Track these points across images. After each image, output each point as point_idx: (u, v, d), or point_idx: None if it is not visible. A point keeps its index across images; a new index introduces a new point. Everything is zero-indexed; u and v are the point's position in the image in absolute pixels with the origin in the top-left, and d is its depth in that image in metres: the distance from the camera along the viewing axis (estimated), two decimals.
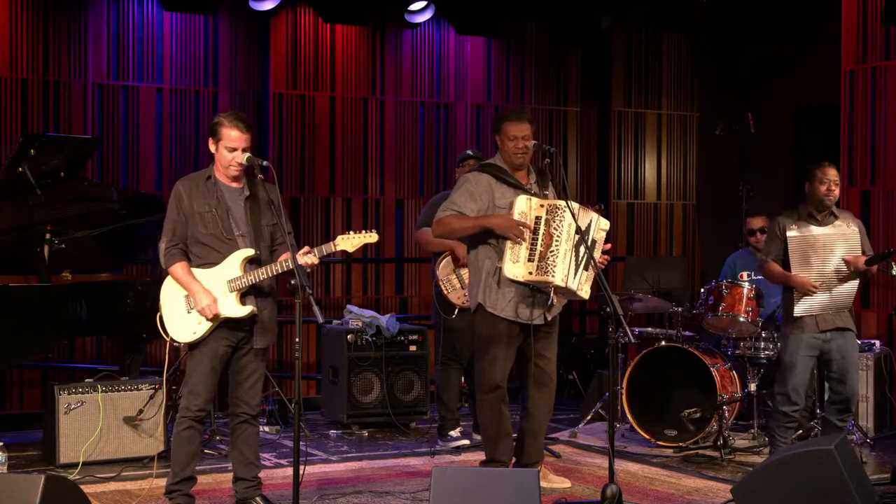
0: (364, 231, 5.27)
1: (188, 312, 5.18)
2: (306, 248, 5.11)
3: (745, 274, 7.49)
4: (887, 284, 7.95)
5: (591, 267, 5.61)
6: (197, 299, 5.12)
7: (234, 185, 5.28)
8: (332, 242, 5.20)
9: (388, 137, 9.51)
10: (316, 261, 5.10)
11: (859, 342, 7.58)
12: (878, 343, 7.80)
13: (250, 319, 5.23)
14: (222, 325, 5.18)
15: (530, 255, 5.57)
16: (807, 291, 6.03)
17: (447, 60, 9.76)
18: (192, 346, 5.22)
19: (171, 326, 5.23)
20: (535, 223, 5.59)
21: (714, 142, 9.84)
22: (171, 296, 5.24)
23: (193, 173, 5.37)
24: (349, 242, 5.22)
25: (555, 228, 5.56)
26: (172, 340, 5.23)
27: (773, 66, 9.88)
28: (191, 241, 5.23)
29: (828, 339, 6.12)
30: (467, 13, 9.73)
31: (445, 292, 6.93)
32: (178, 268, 5.18)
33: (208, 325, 5.15)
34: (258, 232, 5.26)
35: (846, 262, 6.04)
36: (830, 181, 6.11)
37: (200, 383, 5.20)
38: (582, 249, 5.58)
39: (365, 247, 5.32)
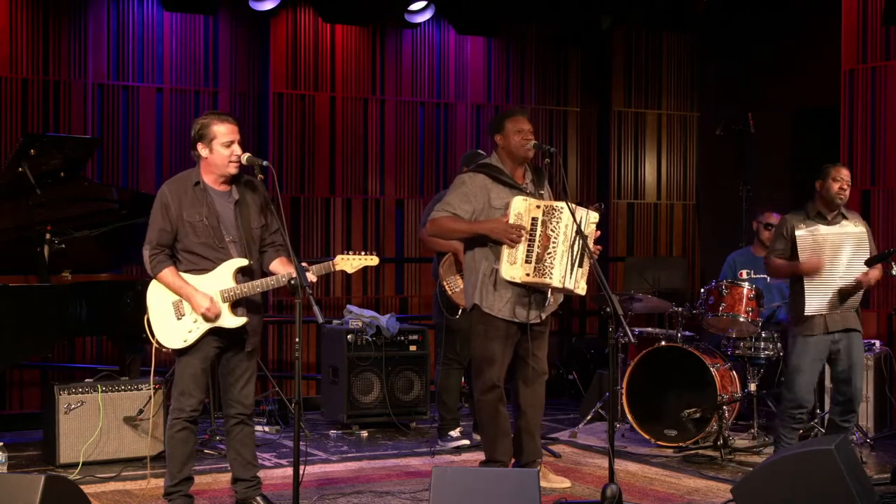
0: (364, 253, 5.24)
1: (178, 319, 5.13)
2: (304, 265, 5.01)
3: (744, 272, 7.49)
4: (887, 284, 7.94)
5: (586, 261, 5.61)
6: (195, 303, 5.07)
7: (223, 188, 5.21)
8: (331, 262, 5.18)
9: (388, 137, 9.51)
10: (314, 279, 5.02)
11: None
12: (878, 343, 7.80)
13: (241, 327, 5.22)
14: (212, 330, 5.15)
15: (527, 256, 5.57)
16: (817, 271, 6.00)
17: (447, 60, 9.76)
18: (182, 351, 5.18)
19: (160, 333, 5.16)
20: (532, 224, 5.59)
21: (714, 142, 9.84)
22: (157, 302, 5.18)
23: (179, 176, 5.26)
24: (349, 264, 5.20)
25: (552, 230, 5.56)
26: (161, 346, 5.18)
27: (773, 66, 9.87)
28: (180, 248, 5.16)
29: (836, 339, 6.12)
30: (467, 13, 9.72)
31: (449, 292, 6.92)
32: (168, 273, 5.12)
33: (200, 332, 5.12)
34: (249, 237, 5.21)
35: (858, 281, 6.06)
36: (843, 180, 6.12)
37: (192, 384, 5.18)
38: (576, 246, 5.58)
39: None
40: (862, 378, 6.28)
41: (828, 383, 7.06)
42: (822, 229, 6.11)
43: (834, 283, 6.05)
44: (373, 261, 5.24)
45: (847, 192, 6.14)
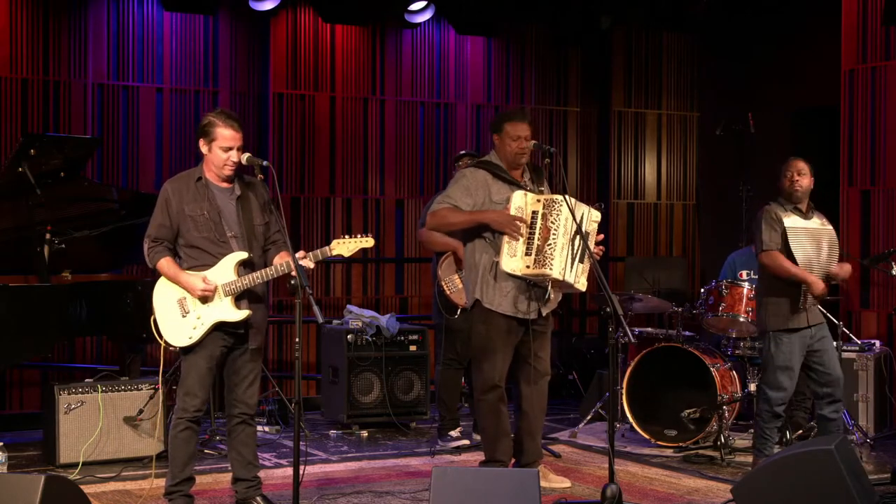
0: (360, 235, 5.24)
1: (183, 317, 5.16)
2: (302, 253, 5.06)
3: (744, 272, 7.48)
4: (887, 284, 7.95)
5: (586, 259, 5.62)
6: (189, 287, 5.10)
7: (225, 185, 5.25)
8: (327, 247, 5.18)
9: (388, 137, 9.51)
10: (311, 265, 5.08)
11: (859, 342, 7.64)
12: (878, 343, 7.80)
13: (244, 321, 5.23)
14: (217, 327, 5.16)
15: (527, 249, 5.58)
16: (817, 291, 6.02)
17: (447, 60, 9.76)
18: (188, 349, 5.20)
19: (166, 331, 5.20)
20: (532, 218, 5.60)
21: (714, 142, 9.84)
22: (164, 300, 5.21)
23: (182, 173, 5.33)
24: (345, 247, 5.20)
25: (552, 222, 5.57)
26: (168, 344, 5.20)
27: (773, 66, 9.87)
28: (183, 243, 5.20)
29: (813, 334, 6.14)
30: (467, 13, 9.72)
31: (448, 292, 6.93)
32: (165, 262, 5.17)
33: (204, 328, 5.13)
34: (251, 233, 5.24)
35: (834, 273, 6.15)
36: (794, 171, 6.20)
37: (197, 384, 5.19)
38: (577, 242, 5.59)
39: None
40: (838, 363, 6.25)
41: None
42: (803, 222, 6.14)
43: (816, 275, 6.08)
44: (368, 242, 5.22)
45: (802, 182, 6.18)
